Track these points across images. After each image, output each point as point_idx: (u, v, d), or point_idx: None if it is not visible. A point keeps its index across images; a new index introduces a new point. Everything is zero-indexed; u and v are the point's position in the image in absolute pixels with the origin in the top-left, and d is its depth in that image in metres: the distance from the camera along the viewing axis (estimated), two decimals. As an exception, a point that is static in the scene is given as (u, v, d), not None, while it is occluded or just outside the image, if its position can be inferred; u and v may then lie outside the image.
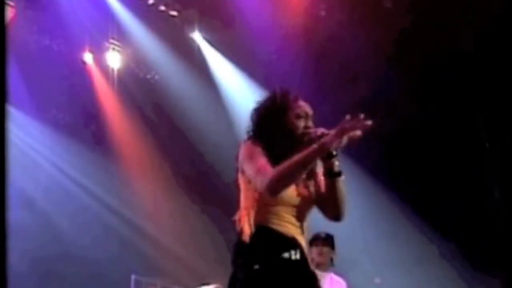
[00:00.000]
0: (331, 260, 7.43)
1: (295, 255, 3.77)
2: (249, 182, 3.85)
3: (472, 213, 10.20)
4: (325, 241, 7.38)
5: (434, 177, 10.35)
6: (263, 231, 3.78)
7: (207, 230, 11.88)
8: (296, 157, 3.68)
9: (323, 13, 10.78)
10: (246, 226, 3.80)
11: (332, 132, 3.69)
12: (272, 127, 3.95)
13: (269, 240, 3.77)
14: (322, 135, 3.79)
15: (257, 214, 3.81)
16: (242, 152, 3.89)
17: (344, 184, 3.96)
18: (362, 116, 3.66)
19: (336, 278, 7.47)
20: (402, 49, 10.13)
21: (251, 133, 4.03)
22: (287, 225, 3.83)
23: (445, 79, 10.05)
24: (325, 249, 7.38)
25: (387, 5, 10.22)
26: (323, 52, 10.85)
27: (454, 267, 10.37)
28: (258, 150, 3.83)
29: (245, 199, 3.89)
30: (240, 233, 3.83)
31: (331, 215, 4.04)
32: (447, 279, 10.39)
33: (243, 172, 3.89)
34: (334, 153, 3.87)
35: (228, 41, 11.65)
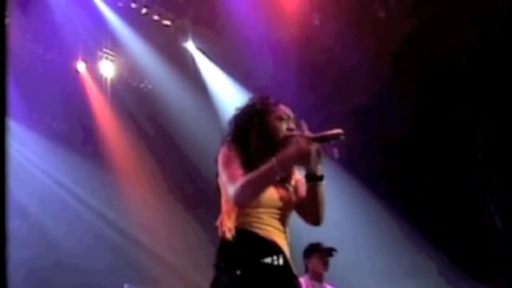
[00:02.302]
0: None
1: (277, 261, 3.74)
2: None
3: (466, 223, 10.21)
4: (331, 252, 7.43)
5: (428, 187, 10.36)
6: (244, 235, 3.76)
7: (201, 239, 11.85)
8: (257, 172, 3.68)
9: (317, 22, 10.80)
10: (227, 229, 3.78)
11: (294, 149, 3.70)
12: (252, 130, 3.94)
13: (250, 244, 3.75)
14: (308, 138, 3.79)
15: (238, 217, 3.79)
16: (219, 157, 3.90)
17: (326, 189, 3.94)
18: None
19: (331, 288, 7.52)
20: (397, 59, 10.15)
21: (228, 138, 4.02)
22: (268, 228, 3.80)
23: (441, 89, 10.08)
24: (328, 261, 7.44)
25: (381, 15, 10.25)
26: (317, 62, 10.87)
27: (447, 277, 10.38)
28: (233, 156, 3.84)
29: (225, 203, 3.87)
30: (223, 236, 3.80)
31: (311, 219, 4.01)
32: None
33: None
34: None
35: (221, 51, 11.66)
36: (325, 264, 7.41)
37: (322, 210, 3.95)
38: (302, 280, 7.27)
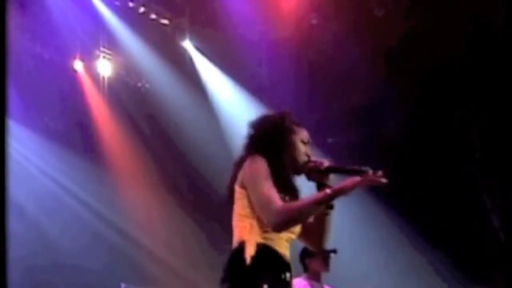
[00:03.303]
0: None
1: (289, 277, 3.80)
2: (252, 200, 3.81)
3: (463, 222, 10.21)
4: (330, 252, 7.47)
5: (426, 187, 10.36)
6: (267, 251, 3.76)
7: (198, 238, 11.87)
8: (307, 201, 3.77)
9: (314, 21, 10.79)
10: (250, 242, 3.76)
11: (350, 181, 3.73)
12: (280, 145, 3.95)
13: (274, 260, 3.78)
14: (327, 169, 3.90)
15: (262, 232, 3.78)
16: (253, 168, 3.83)
17: (333, 218, 4.02)
18: (381, 173, 3.74)
19: (331, 288, 7.56)
20: (394, 58, 10.15)
21: (256, 146, 3.97)
22: (285, 249, 3.86)
23: (439, 89, 10.08)
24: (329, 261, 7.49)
25: (378, 14, 10.25)
26: (314, 62, 10.87)
27: (444, 278, 10.38)
28: (267, 172, 3.80)
29: (247, 215, 3.84)
30: (240, 247, 3.78)
31: (315, 246, 4.14)
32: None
33: (245, 188, 3.84)
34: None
35: (219, 50, 11.65)
36: (328, 265, 7.46)
37: (328, 239, 4.05)
38: (301, 280, 7.31)
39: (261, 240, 3.76)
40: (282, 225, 3.73)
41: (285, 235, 3.84)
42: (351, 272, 9.99)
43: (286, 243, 3.87)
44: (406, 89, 10.27)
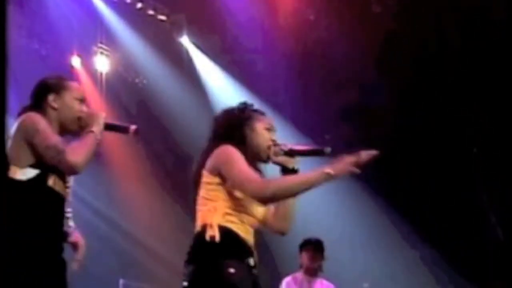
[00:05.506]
0: (320, 266, 7.49)
1: (253, 263, 3.93)
2: (218, 184, 3.95)
3: (461, 222, 10.21)
4: (317, 246, 7.45)
5: (423, 186, 10.36)
6: (230, 235, 3.88)
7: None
8: (298, 178, 3.94)
9: (311, 17, 10.80)
10: (212, 225, 3.88)
11: (342, 163, 3.89)
12: (244, 134, 4.08)
13: (236, 244, 3.89)
14: (290, 151, 4.09)
15: (224, 215, 3.91)
16: (224, 154, 3.96)
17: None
18: (374, 153, 4.00)
19: (326, 283, 7.53)
20: (390, 54, 10.14)
21: (221, 137, 4.10)
22: (248, 234, 3.98)
23: (434, 85, 10.08)
24: (317, 255, 7.45)
25: (376, 10, 10.24)
26: (311, 58, 10.87)
27: (440, 273, 10.39)
28: (241, 156, 3.92)
29: (211, 198, 4.00)
30: (202, 229, 3.93)
31: (279, 228, 4.27)
32: (435, 285, 10.41)
33: (214, 172, 3.97)
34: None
35: (216, 46, 11.66)
36: (312, 259, 7.41)
37: (291, 221, 4.22)
38: (297, 276, 7.33)
39: (223, 223, 3.88)
40: (269, 198, 3.88)
41: (247, 219, 3.95)
42: (348, 270, 10.01)
43: (249, 228, 3.98)
44: (404, 85, 10.27)
